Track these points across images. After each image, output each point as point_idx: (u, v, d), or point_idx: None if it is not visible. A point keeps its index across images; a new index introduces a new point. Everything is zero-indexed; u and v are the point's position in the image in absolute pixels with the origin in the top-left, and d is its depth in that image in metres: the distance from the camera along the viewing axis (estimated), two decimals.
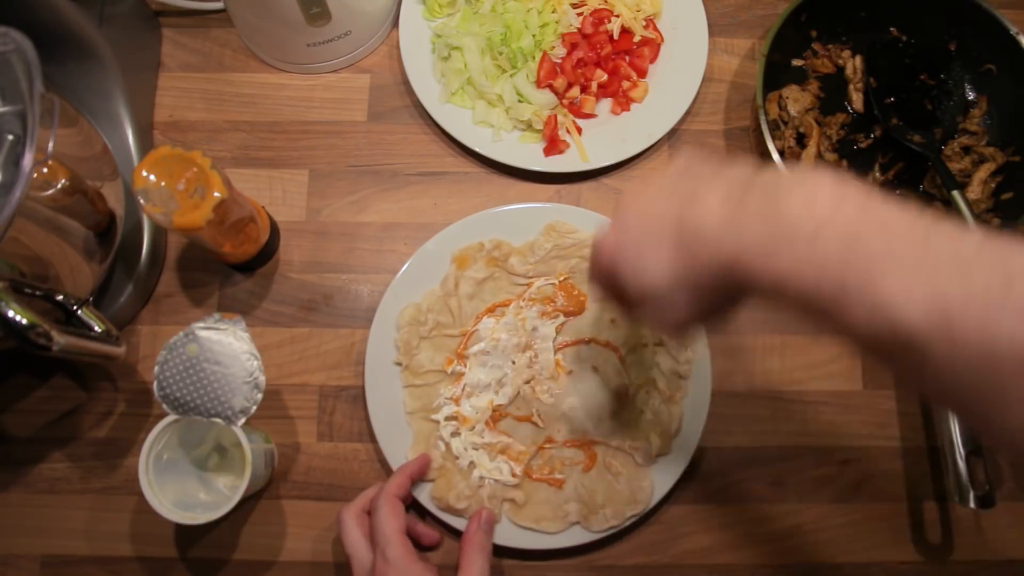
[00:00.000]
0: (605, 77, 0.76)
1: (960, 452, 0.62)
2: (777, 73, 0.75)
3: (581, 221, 0.71)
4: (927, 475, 0.68)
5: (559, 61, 0.76)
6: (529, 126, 0.75)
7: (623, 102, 0.76)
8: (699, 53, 0.77)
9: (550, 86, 0.75)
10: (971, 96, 0.77)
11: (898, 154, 0.76)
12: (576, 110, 0.76)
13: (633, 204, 0.37)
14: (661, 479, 0.65)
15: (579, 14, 0.77)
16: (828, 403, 0.70)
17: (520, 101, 0.75)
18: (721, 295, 0.34)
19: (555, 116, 0.74)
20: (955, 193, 0.69)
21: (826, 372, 0.71)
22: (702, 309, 0.35)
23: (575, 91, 0.76)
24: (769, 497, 0.68)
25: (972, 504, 0.61)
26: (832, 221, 0.27)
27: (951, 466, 0.62)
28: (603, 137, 0.75)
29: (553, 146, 0.74)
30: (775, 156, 0.68)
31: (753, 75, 0.78)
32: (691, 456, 0.65)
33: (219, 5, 0.79)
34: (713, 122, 0.78)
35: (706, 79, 0.77)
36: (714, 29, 0.80)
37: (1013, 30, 0.72)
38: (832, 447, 0.69)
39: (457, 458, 0.66)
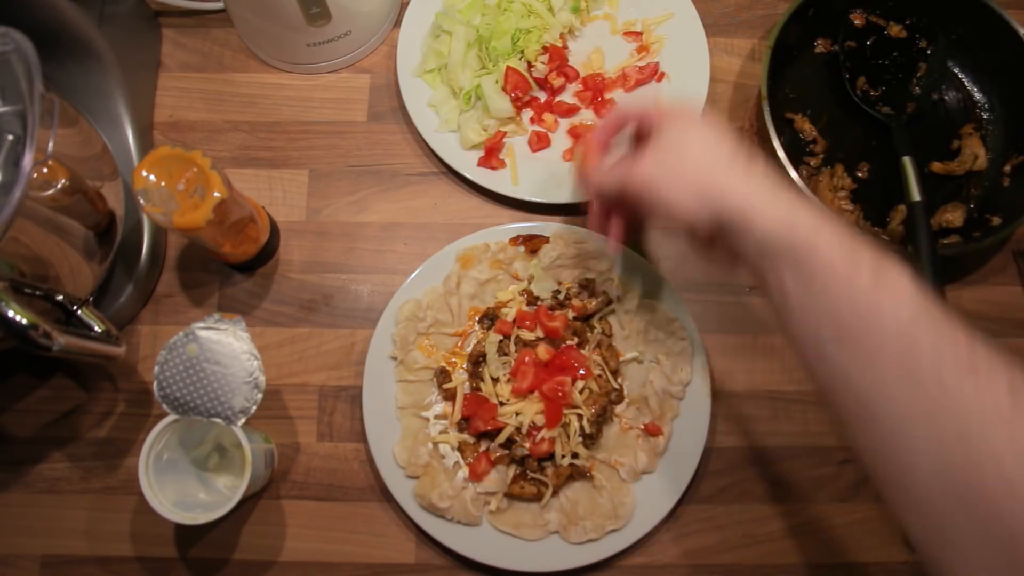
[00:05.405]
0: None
1: None
2: (781, 67, 0.75)
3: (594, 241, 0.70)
4: None
5: (542, 76, 0.76)
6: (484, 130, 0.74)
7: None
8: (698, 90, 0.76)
9: (516, 97, 0.74)
10: (977, 95, 0.78)
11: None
12: (552, 107, 0.76)
13: (674, 149, 0.49)
14: (662, 497, 0.65)
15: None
16: None
17: (479, 99, 0.74)
18: (707, 232, 0.50)
19: (503, 133, 0.74)
20: (905, 159, 0.70)
21: None
22: (693, 237, 0.54)
23: (527, 113, 0.76)
24: (769, 497, 0.68)
25: None
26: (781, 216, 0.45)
27: None
28: (538, 173, 0.74)
29: (488, 157, 0.73)
30: (779, 152, 0.69)
31: (754, 75, 0.78)
32: (690, 477, 0.65)
33: (219, 5, 0.79)
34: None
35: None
36: (714, 29, 0.80)
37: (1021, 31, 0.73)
38: (832, 447, 0.69)
39: (443, 457, 0.66)
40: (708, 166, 0.48)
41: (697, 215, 0.48)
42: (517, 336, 0.67)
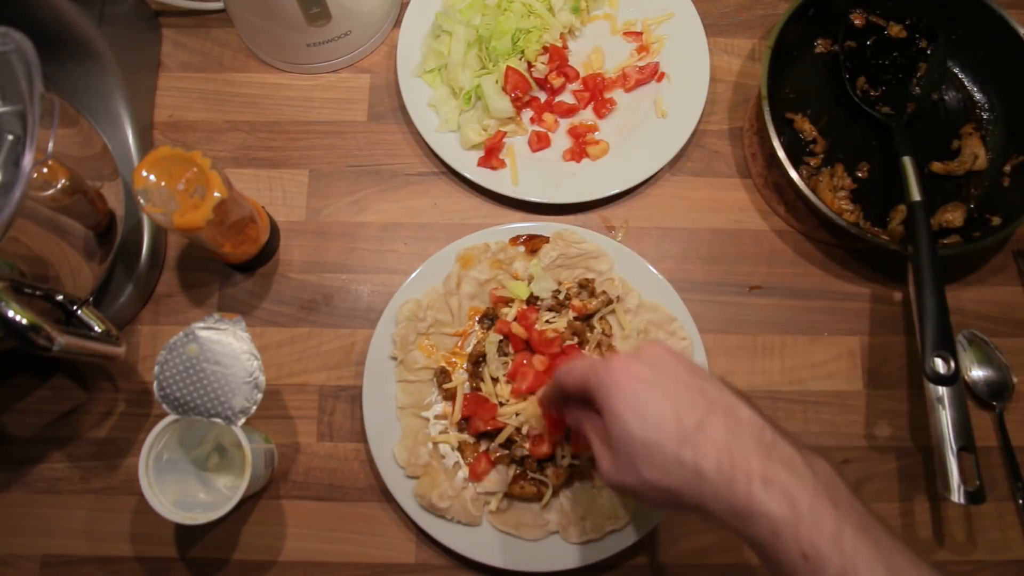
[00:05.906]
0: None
1: (952, 448, 0.62)
2: (781, 67, 0.75)
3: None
4: (927, 475, 0.68)
5: (542, 76, 0.76)
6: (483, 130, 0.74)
7: (577, 153, 0.75)
8: (694, 112, 0.76)
9: (516, 97, 0.74)
10: (977, 95, 0.78)
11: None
12: (552, 107, 0.76)
13: (625, 452, 0.46)
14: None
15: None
16: (828, 403, 0.70)
17: (479, 99, 0.74)
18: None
19: (503, 133, 0.74)
20: (905, 159, 0.70)
21: (826, 372, 0.71)
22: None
23: (527, 113, 0.76)
24: None
25: (961, 499, 0.61)
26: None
27: (942, 461, 0.63)
28: (538, 173, 0.74)
29: (488, 157, 0.73)
30: (780, 152, 0.69)
31: (754, 75, 0.78)
32: None
33: (219, 5, 0.79)
34: (714, 122, 0.78)
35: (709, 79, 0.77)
36: (714, 29, 0.80)
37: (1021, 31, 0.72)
38: (832, 447, 0.69)
39: (443, 457, 0.66)
40: (658, 469, 0.45)
41: (670, 508, 0.47)
42: (516, 335, 0.67)
